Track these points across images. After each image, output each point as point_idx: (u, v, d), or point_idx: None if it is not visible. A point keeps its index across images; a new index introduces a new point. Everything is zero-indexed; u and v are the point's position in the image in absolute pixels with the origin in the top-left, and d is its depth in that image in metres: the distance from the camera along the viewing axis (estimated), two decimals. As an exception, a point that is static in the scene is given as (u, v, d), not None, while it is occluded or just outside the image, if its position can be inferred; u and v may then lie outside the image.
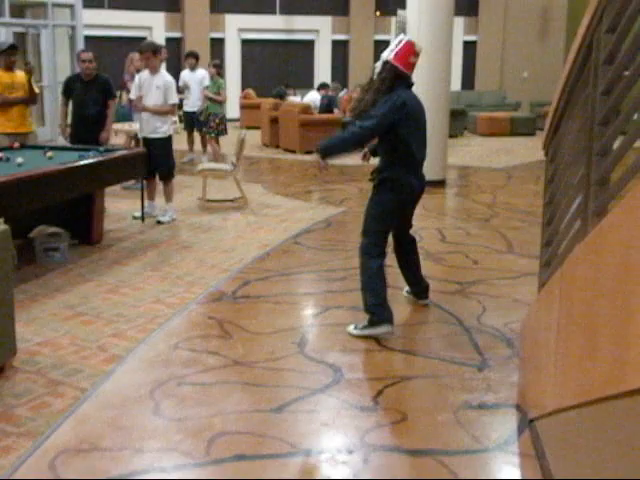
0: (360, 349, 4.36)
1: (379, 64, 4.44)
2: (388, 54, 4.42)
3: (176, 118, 9.58)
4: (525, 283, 5.64)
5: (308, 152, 13.07)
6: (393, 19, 19.68)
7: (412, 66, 4.46)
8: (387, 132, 4.39)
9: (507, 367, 4.11)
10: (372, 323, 4.49)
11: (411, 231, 5.03)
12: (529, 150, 14.31)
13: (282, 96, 15.54)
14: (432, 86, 9.14)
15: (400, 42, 4.44)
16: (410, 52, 4.43)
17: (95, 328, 4.61)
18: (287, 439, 3.30)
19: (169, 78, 7.64)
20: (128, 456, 3.14)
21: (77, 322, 4.71)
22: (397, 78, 4.40)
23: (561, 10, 19.04)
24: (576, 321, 2.46)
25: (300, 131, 13.19)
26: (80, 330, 4.57)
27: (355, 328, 4.54)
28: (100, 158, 6.40)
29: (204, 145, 11.95)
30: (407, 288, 5.18)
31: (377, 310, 4.47)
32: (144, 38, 18.35)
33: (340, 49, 20.75)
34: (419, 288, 5.09)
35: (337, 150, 4.48)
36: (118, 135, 9.90)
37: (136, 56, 8.67)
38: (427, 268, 5.92)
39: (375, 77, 4.43)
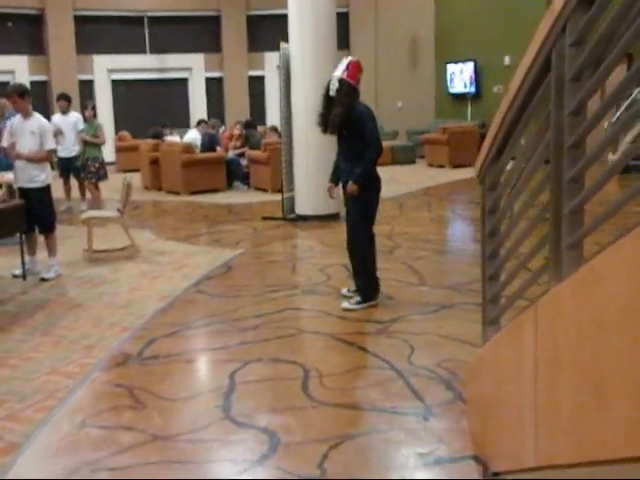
0: (292, 407, 3.96)
1: (334, 82, 5.33)
2: (341, 73, 5.34)
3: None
4: (446, 316, 5.44)
5: (193, 193, 12.61)
6: (266, 55, 19.57)
7: (359, 81, 5.46)
8: (362, 136, 5.35)
9: (452, 413, 3.83)
10: (365, 299, 5.66)
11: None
12: (413, 178, 14.43)
13: (159, 136, 14.99)
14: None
15: (349, 63, 5.37)
16: (358, 70, 5.43)
17: (-17, 411, 3.99)
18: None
19: (44, 122, 7.04)
20: None
21: (-39, 406, 4.07)
22: (354, 92, 5.40)
23: (429, 39, 19.56)
24: (565, 369, 2.19)
25: (183, 172, 12.67)
26: (-34, 416, 3.94)
27: (350, 304, 5.65)
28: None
29: (83, 192, 11.26)
30: (346, 289, 6.00)
31: (369, 290, 5.72)
32: (7, 83, 17.39)
33: (214, 86, 20.40)
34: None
35: (368, 173, 5.46)
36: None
37: (6, 101, 7.97)
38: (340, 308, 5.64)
39: (333, 93, 5.34)
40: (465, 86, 17.71)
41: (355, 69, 5.36)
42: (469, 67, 17.40)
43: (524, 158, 2.87)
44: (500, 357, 2.99)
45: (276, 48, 9.90)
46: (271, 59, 18.60)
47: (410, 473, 3.26)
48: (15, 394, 4.21)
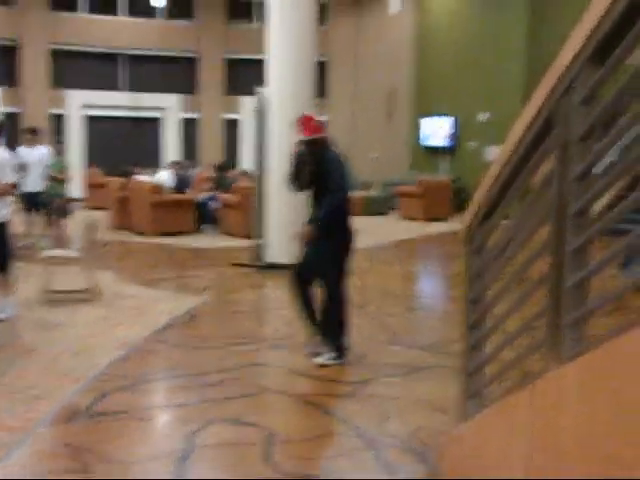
0: (254, 476, 3.64)
1: (296, 147, 5.38)
2: (301, 135, 5.29)
3: (12, 199, 8.53)
4: (421, 379, 5.17)
5: (162, 234, 12.29)
6: (242, 99, 19.47)
7: (322, 127, 5.42)
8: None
9: (426, 491, 3.54)
10: (340, 354, 5.41)
11: None
12: (385, 229, 14.28)
13: (128, 175, 14.70)
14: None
15: (299, 122, 5.32)
16: (310, 120, 5.35)
17: None
18: None
19: (4, 154, 6.71)
20: None
21: None
22: (317, 144, 5.27)
23: (405, 93, 19.63)
24: (570, 458, 1.94)
25: (152, 212, 12.37)
26: None
27: (324, 358, 5.39)
28: None
29: (48, 226, 10.87)
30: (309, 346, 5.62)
31: (342, 342, 5.48)
32: (-24, 112, 17.08)
33: (189, 127, 20.25)
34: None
35: (328, 220, 5.23)
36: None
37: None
38: (309, 366, 5.35)
39: (302, 153, 5.28)
40: (440, 140, 17.73)
41: (307, 122, 5.30)
42: (445, 121, 17.44)
43: (518, 222, 2.65)
44: (485, 438, 2.73)
45: (252, 92, 9.75)
46: (247, 103, 18.51)
47: None
48: (-51, 450, 3.84)
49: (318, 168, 5.18)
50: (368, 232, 13.77)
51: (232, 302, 7.70)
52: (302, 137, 5.26)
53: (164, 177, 13.58)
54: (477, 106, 16.34)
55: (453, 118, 17.18)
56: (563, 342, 2.11)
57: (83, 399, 4.64)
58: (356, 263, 10.30)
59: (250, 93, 11.53)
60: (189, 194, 13.25)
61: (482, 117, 16.21)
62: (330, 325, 5.43)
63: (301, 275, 5.43)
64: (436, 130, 17.84)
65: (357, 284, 8.71)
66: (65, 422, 4.30)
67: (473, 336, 3.13)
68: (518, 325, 2.63)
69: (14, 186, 6.79)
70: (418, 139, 18.69)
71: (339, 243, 5.35)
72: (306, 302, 5.48)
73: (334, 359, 5.35)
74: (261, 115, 9.55)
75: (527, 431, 2.22)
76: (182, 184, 13.36)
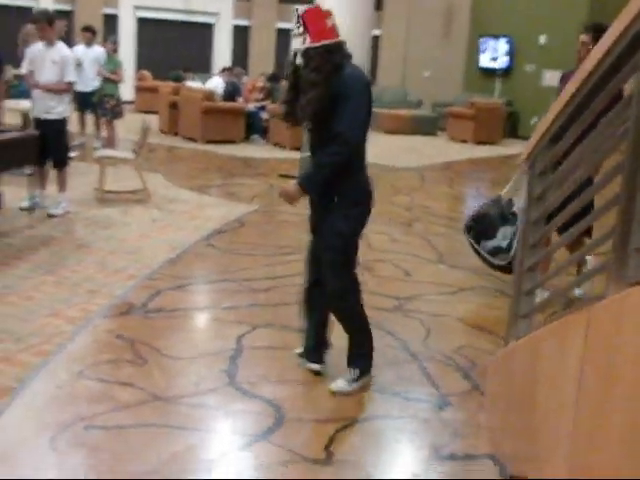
0: (299, 380, 3.76)
1: (298, 59, 3.38)
2: (302, 42, 3.34)
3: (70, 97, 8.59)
4: (464, 300, 5.22)
5: (210, 142, 12.32)
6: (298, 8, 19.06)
7: (335, 29, 3.39)
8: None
9: (469, 405, 3.63)
10: (364, 371, 3.69)
11: None
12: (434, 150, 14.10)
13: (180, 80, 14.66)
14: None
15: (302, 17, 3.33)
16: (321, 17, 3.36)
17: (-23, 349, 3.80)
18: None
19: (67, 52, 6.75)
20: (27, 538, 2.43)
21: (-46, 341, 3.88)
22: (331, 56, 3.33)
23: (464, 12, 19.01)
24: (622, 384, 1.97)
25: (202, 118, 12.37)
26: (-42, 352, 3.75)
27: (348, 383, 3.62)
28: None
29: (97, 129, 10.98)
30: (300, 349, 3.92)
31: (369, 357, 3.76)
32: (30, 8, 17.00)
33: (241, 35, 19.98)
34: (317, 345, 3.84)
35: (322, 181, 3.41)
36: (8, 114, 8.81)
37: (31, 28, 7.63)
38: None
39: (303, 71, 3.36)
40: (496, 62, 17.26)
41: (316, 20, 3.36)
42: (503, 43, 16.93)
43: (590, 145, 2.61)
44: (537, 356, 2.76)
45: (309, 1, 9.54)
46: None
47: (422, 466, 3.06)
48: (11, 334, 4.02)
49: (325, 94, 3.31)
50: (417, 151, 13.70)
51: (280, 212, 7.75)
52: (304, 44, 3.35)
53: (216, 83, 13.49)
54: (536, 28, 15.80)
55: (511, 40, 16.66)
56: (629, 266, 2.11)
57: (137, 296, 4.79)
58: (406, 181, 10.31)
59: (307, 2, 11.32)
60: (240, 103, 13.18)
61: (541, 40, 15.71)
62: (348, 330, 3.74)
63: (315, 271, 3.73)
64: (493, 52, 17.35)
65: (406, 202, 8.74)
66: (121, 316, 4.46)
67: (531, 257, 3.14)
68: (576, 251, 2.63)
69: (72, 85, 6.83)
70: (474, 60, 18.21)
71: (360, 216, 3.55)
72: (316, 310, 3.80)
73: (355, 380, 3.65)
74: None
75: (581, 351, 2.25)
76: (233, 92, 13.28)
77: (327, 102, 3.30)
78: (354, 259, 3.62)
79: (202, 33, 19.64)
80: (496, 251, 5.07)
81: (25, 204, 6.71)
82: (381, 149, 13.67)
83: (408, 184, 10.13)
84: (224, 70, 14.25)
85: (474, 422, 3.44)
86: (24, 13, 16.14)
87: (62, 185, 6.82)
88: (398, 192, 9.43)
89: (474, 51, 18.23)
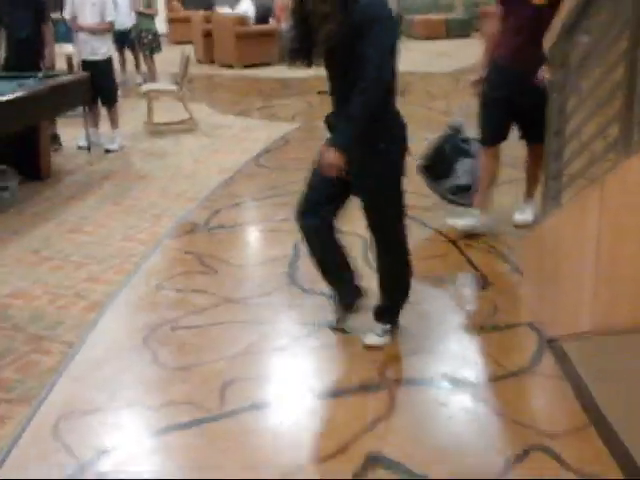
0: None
1: None
2: None
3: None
4: (505, 192, 5.50)
5: (246, 66, 12.56)
6: None
7: None
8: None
9: (509, 284, 4.00)
10: (395, 324, 3.45)
11: None
12: (469, 52, 14.01)
13: (210, 7, 14.79)
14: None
15: None
16: None
17: (66, 273, 4.28)
18: (303, 380, 3.11)
19: (104, -7, 7.03)
20: (138, 413, 2.90)
21: (45, 268, 4.36)
22: None
23: None
24: (630, 239, 2.29)
25: (237, 44, 12.59)
26: (51, 276, 4.23)
27: (381, 336, 3.38)
28: (43, 86, 5.88)
29: (137, 65, 11.31)
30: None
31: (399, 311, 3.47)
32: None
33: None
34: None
35: (361, 134, 2.90)
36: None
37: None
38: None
39: (311, 2, 2.83)
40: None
41: None
42: None
43: (599, 33, 2.86)
44: (562, 229, 3.09)
45: None
46: None
47: (469, 336, 3.46)
48: (93, 258, 4.49)
49: (339, 28, 2.77)
50: (451, 55, 13.70)
51: (320, 128, 8.00)
52: None
53: (246, 7, 13.61)
54: None
55: None
56: (633, 138, 2.40)
57: (199, 215, 5.21)
58: (441, 87, 10.44)
59: None
60: (272, 24, 13.30)
61: None
62: (399, 291, 3.42)
63: (324, 218, 3.27)
64: None
65: (442, 107, 8.92)
66: (186, 234, 4.89)
67: (554, 143, 3.42)
68: (594, 131, 2.91)
69: (113, 24, 7.14)
70: None
71: (401, 167, 3.09)
72: (336, 254, 3.39)
73: (390, 332, 3.41)
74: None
75: (597, 217, 2.56)
76: (265, 13, 13.39)
77: (344, 37, 2.78)
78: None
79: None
80: (458, 190, 4.77)
81: (82, 143, 7.14)
82: (415, 55, 13.73)
83: (443, 89, 10.27)
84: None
85: (514, 297, 3.81)
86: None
87: (114, 121, 7.22)
88: (434, 97, 9.61)
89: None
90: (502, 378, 3.08)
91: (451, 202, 4.87)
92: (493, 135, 4.60)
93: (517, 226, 4.72)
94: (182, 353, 3.35)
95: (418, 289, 3.96)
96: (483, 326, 3.52)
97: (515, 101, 4.35)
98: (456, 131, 4.89)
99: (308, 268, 4.24)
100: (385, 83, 2.85)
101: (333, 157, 2.87)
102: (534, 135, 4.30)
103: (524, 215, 4.77)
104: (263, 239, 4.85)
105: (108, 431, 2.80)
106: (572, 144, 3.35)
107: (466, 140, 4.84)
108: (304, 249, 4.47)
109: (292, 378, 3.16)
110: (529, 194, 4.84)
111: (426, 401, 2.94)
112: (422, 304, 3.78)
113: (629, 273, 2.27)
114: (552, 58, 3.40)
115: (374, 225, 3.21)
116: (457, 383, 3.04)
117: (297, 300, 3.86)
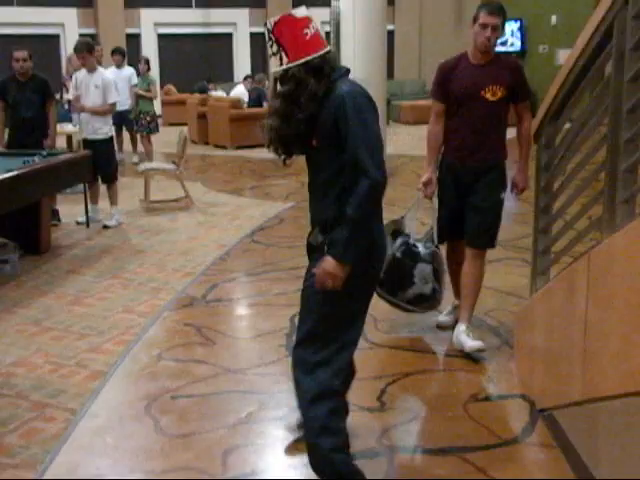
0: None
1: (279, 87, 2.66)
2: (279, 63, 2.58)
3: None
4: (492, 270, 5.66)
5: (239, 147, 12.90)
6: (313, 11, 19.55)
7: (318, 38, 2.62)
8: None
9: (500, 357, 4.11)
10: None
11: None
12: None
13: (204, 91, 15.27)
14: (372, 75, 9.04)
15: (273, 37, 2.58)
16: (296, 27, 2.57)
17: (68, 343, 4.36)
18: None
19: (107, 76, 7.35)
20: (142, 480, 2.96)
21: (46, 338, 4.45)
22: (317, 72, 2.57)
23: (475, -2, 19.34)
24: (616, 310, 2.44)
25: (231, 126, 12.95)
26: (52, 346, 4.31)
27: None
28: (46, 163, 6.08)
29: (134, 145, 11.60)
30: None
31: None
32: (57, 35, 17.75)
33: (258, 42, 20.51)
34: None
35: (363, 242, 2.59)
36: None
37: (74, 56, 8.23)
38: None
39: (287, 97, 2.60)
40: (511, 45, 17.60)
41: (288, 30, 2.58)
42: (514, 25, 17.26)
43: (582, 119, 3.09)
44: (551, 303, 3.25)
45: (321, 4, 10.00)
46: (317, 16, 18.61)
47: (462, 407, 3.55)
48: (94, 329, 4.58)
49: (313, 117, 2.58)
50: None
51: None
52: (282, 65, 2.59)
53: (240, 91, 14.07)
54: (548, 10, 16.13)
55: (523, 22, 16.99)
56: (617, 215, 2.59)
57: (197, 289, 5.34)
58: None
59: (320, 4, 11.84)
60: (265, 108, 13.72)
61: (553, 20, 16.03)
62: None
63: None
64: (505, 35, 17.66)
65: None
66: (185, 307, 5.00)
67: (542, 220, 3.61)
68: (578, 209, 3.10)
69: (115, 105, 7.41)
70: None
71: (370, 274, 2.75)
72: None
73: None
74: (334, 27, 9.86)
75: (584, 291, 2.72)
76: (258, 98, 13.83)
77: (323, 127, 2.58)
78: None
79: (222, 43, 20.23)
80: (421, 300, 4.25)
81: (81, 219, 7.30)
82: (404, 140, 14.17)
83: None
84: (246, 78, 14.82)
85: (505, 370, 3.93)
86: (51, 42, 17.04)
87: (113, 199, 7.40)
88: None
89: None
90: (496, 447, 3.16)
91: (411, 311, 4.39)
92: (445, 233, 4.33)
93: (439, 327, 4.52)
94: (183, 421, 3.42)
95: (413, 361, 4.09)
96: (477, 397, 3.63)
97: (466, 198, 4.12)
98: (402, 234, 4.30)
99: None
100: (380, 186, 2.50)
101: (333, 272, 2.51)
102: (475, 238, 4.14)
103: (447, 317, 4.55)
104: (259, 313, 4.96)
105: (112, 497, 2.86)
106: (558, 222, 3.55)
107: (414, 244, 4.26)
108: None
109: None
110: (464, 318, 4.17)
111: (422, 468, 3.02)
112: (413, 376, 3.88)
113: (616, 345, 2.41)
114: (538, 139, 3.62)
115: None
116: (450, 452, 3.13)
117: (295, 371, 3.95)
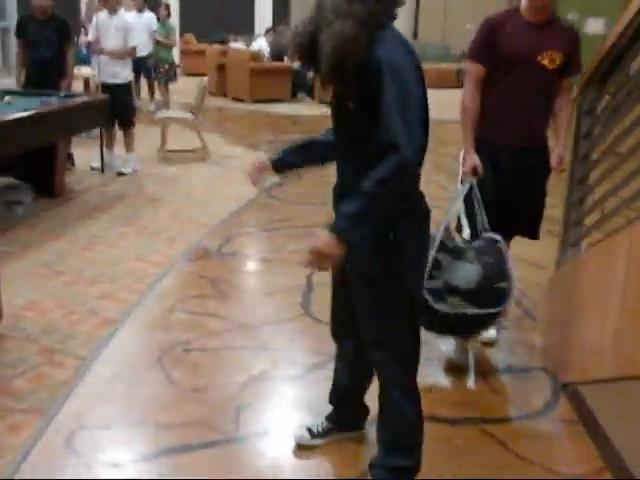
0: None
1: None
2: None
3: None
4: (516, 240, 5.53)
5: (257, 101, 12.69)
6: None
7: None
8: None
9: (523, 327, 4.00)
10: None
11: None
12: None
13: (224, 42, 15.01)
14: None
15: None
16: None
17: (79, 289, 4.27)
18: (315, 407, 3.09)
19: (129, 19, 7.16)
20: (152, 431, 2.88)
21: (58, 282, 4.36)
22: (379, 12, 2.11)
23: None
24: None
25: (251, 80, 12.73)
26: (64, 291, 4.22)
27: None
28: (64, 104, 5.93)
29: (152, 92, 11.42)
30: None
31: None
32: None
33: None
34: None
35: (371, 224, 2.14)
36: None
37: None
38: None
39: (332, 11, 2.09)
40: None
41: None
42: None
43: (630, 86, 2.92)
44: (584, 275, 3.11)
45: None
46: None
47: (483, 380, 3.45)
48: (106, 276, 4.49)
49: (358, 40, 2.05)
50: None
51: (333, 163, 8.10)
52: None
53: (261, 45, 13.81)
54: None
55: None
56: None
57: (212, 242, 5.23)
58: (452, 133, 10.54)
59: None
60: (286, 62, 13.47)
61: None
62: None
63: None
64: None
65: (452, 152, 8.98)
66: (199, 259, 4.90)
67: (578, 190, 3.46)
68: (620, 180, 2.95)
69: (136, 49, 7.23)
70: None
71: (418, 257, 2.37)
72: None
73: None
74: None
75: (623, 260, 2.56)
76: (280, 52, 13.57)
77: (349, 75, 2.07)
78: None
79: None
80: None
81: (96, 164, 7.17)
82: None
83: (454, 136, 10.36)
84: (268, 31, 14.53)
85: (527, 342, 3.82)
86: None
87: (130, 145, 7.26)
88: (444, 144, 9.70)
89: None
90: (517, 420, 3.07)
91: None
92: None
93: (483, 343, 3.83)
94: (195, 375, 3.33)
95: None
96: (498, 368, 3.53)
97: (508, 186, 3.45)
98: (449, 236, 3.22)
99: (322, 300, 4.26)
100: (414, 167, 2.07)
101: (327, 248, 2.09)
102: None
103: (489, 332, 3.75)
104: (275, 268, 4.84)
105: (119, 447, 2.78)
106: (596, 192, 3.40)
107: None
108: (317, 281, 4.52)
109: (306, 406, 3.14)
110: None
111: (440, 437, 2.93)
112: (433, 342, 3.78)
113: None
114: (579, 106, 3.46)
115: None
116: (470, 422, 3.03)
117: (310, 330, 3.86)
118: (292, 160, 2.79)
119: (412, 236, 2.28)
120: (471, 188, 3.35)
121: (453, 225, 3.43)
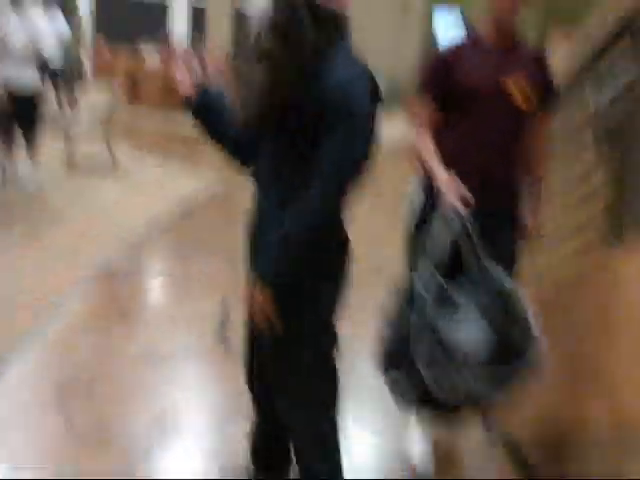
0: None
1: (266, 13, 1.93)
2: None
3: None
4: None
5: (172, 108, 12.33)
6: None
7: None
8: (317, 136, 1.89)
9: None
10: None
11: None
12: (393, 130, 14.31)
13: (135, 44, 14.58)
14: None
15: None
16: None
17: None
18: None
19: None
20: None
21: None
22: (326, 26, 1.91)
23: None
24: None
25: (164, 84, 12.40)
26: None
27: None
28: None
29: (58, 96, 10.91)
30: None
31: None
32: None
33: (198, 16, 19.77)
34: None
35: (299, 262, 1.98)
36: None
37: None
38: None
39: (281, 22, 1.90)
40: (452, 38, 17.10)
41: None
42: (457, 14, 16.62)
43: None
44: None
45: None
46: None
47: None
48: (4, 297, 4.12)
49: (289, 78, 1.89)
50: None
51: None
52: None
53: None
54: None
55: (460, 10, 16.35)
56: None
57: (119, 262, 4.92)
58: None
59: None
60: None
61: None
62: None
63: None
64: (450, 26, 16.94)
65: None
66: (106, 280, 4.60)
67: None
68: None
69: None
70: (432, 38, 17.56)
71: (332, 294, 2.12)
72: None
73: None
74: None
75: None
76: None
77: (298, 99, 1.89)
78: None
79: (157, 15, 19.39)
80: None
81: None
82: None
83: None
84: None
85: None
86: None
87: (33, 154, 6.83)
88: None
89: (430, 26, 17.95)
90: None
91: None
92: None
93: None
94: (98, 408, 3.05)
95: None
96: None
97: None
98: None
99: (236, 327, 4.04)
100: (331, 214, 1.96)
101: (261, 299, 1.95)
102: None
103: None
104: (187, 292, 4.59)
105: None
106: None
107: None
108: (232, 304, 4.25)
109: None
110: None
111: None
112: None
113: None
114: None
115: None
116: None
117: (223, 363, 3.62)
118: (215, 108, 2.20)
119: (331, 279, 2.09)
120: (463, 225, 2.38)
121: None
